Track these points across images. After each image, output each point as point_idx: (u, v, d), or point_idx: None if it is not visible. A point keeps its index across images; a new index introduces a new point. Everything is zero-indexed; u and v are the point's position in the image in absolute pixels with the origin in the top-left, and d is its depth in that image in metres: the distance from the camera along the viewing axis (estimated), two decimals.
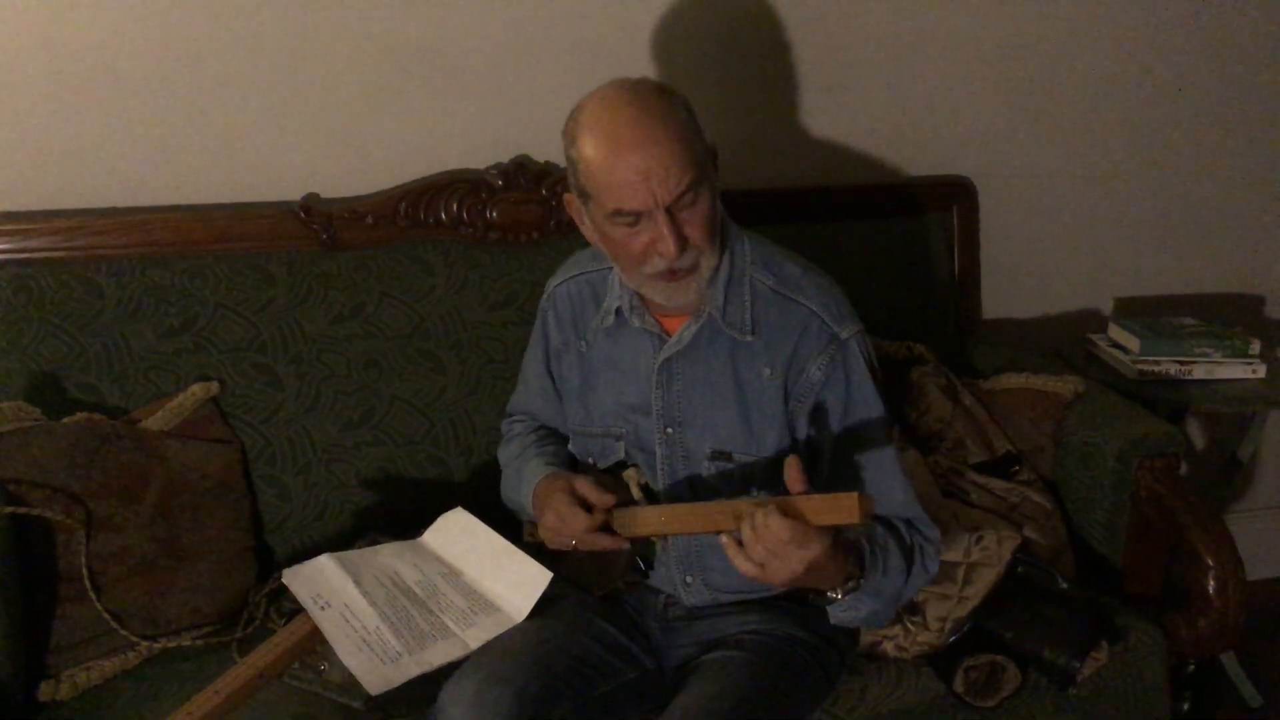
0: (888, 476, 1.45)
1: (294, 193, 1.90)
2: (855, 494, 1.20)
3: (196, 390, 1.74)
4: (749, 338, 1.46)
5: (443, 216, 1.91)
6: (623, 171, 1.30)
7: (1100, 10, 2.28)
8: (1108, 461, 1.79)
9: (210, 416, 1.75)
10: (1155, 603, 1.76)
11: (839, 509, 1.21)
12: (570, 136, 1.37)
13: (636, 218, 1.33)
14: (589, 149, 1.33)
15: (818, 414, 1.46)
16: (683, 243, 1.34)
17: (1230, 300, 2.56)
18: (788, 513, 1.22)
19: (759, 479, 1.48)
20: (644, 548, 1.52)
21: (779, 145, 2.16)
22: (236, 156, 1.89)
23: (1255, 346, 2.14)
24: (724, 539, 1.28)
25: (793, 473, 1.25)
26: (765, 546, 1.23)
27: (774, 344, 1.46)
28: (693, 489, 1.51)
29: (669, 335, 1.49)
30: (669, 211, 1.32)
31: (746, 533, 1.24)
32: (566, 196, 1.45)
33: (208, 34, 1.83)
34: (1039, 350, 2.25)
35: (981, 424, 1.93)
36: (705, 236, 1.37)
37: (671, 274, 1.38)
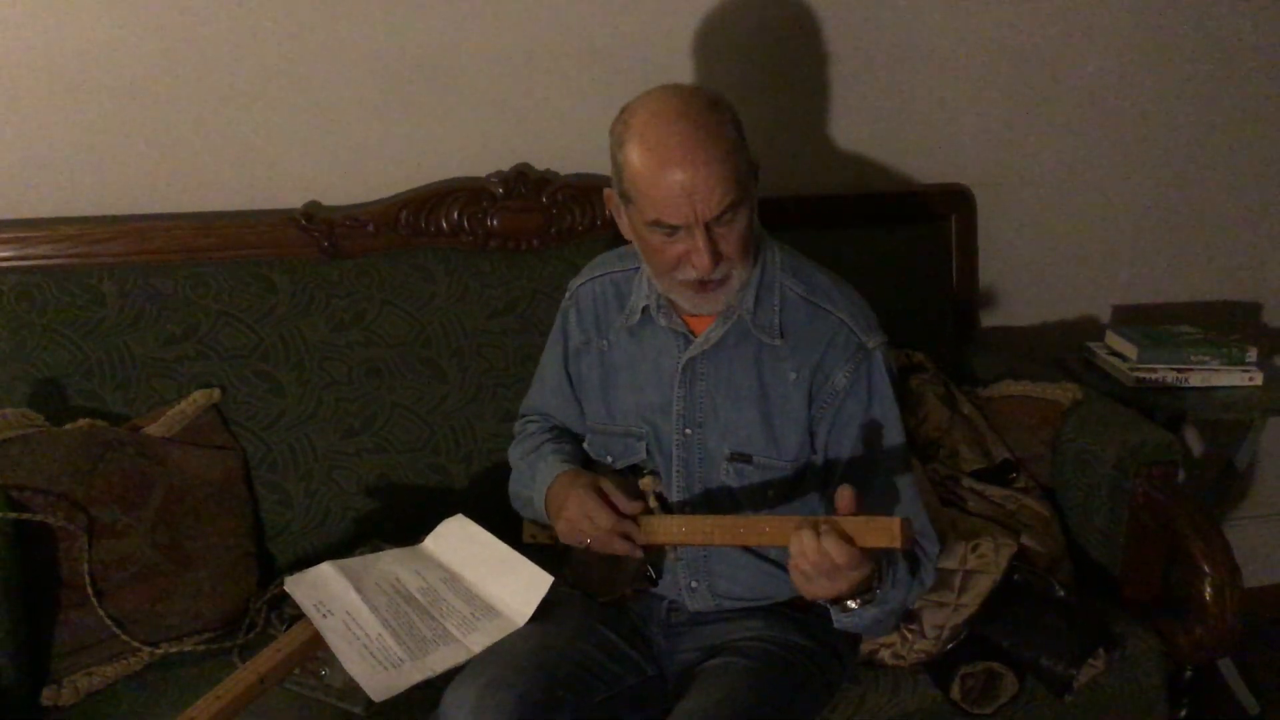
0: (903, 491, 1.46)
1: (296, 201, 1.90)
2: (898, 520, 1.21)
3: (198, 397, 1.75)
4: (777, 341, 1.47)
5: (443, 225, 1.92)
6: (667, 186, 1.31)
7: (1098, 20, 2.29)
8: (1105, 469, 1.80)
9: (212, 423, 1.76)
10: (1153, 610, 1.76)
11: (882, 533, 1.22)
12: (618, 138, 1.37)
13: (675, 230, 1.35)
14: (635, 157, 1.34)
15: (838, 421, 1.47)
16: (717, 257, 1.36)
17: (1227, 308, 2.57)
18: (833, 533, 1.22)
19: (777, 484, 1.49)
20: (655, 556, 1.53)
21: (777, 153, 2.16)
22: (238, 164, 1.90)
23: (1252, 354, 2.14)
24: (794, 550, 1.26)
25: (845, 500, 1.25)
26: (816, 566, 1.24)
27: (801, 349, 1.47)
28: (708, 494, 1.52)
29: (695, 335, 1.50)
30: (707, 227, 1.34)
31: (795, 550, 1.25)
32: (606, 192, 1.46)
33: (210, 43, 1.83)
34: (1037, 358, 2.26)
35: (979, 431, 1.93)
36: (740, 252, 1.39)
37: (702, 284, 1.39)
